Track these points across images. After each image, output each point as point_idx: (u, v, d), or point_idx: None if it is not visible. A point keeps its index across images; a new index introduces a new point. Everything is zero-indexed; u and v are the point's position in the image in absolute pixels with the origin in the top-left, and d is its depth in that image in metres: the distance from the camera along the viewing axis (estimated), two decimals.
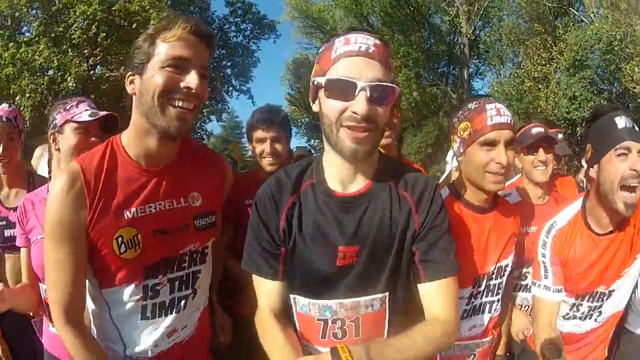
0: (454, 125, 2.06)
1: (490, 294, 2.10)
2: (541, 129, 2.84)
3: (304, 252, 1.56)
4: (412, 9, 25.00)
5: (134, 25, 18.01)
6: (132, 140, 1.66)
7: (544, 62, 19.37)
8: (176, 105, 1.56)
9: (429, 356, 1.42)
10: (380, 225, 1.53)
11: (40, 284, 2.27)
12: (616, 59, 17.01)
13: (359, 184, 1.55)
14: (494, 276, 2.08)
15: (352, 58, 1.41)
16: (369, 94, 1.39)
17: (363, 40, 1.43)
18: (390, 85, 1.43)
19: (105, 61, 18.53)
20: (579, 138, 18.78)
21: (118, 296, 1.68)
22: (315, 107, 1.55)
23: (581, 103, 17.09)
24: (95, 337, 1.78)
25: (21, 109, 16.46)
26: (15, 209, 2.73)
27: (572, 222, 2.19)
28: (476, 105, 1.98)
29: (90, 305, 1.78)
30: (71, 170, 1.58)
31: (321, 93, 1.48)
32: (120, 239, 1.60)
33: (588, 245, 2.16)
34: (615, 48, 16.52)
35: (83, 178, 1.57)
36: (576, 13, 19.97)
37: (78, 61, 17.55)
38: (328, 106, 1.45)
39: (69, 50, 17.55)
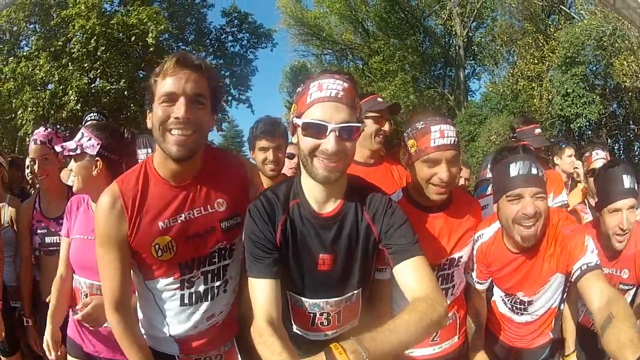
0: (405, 139, 2.25)
1: (444, 282, 2.35)
2: None
3: (294, 257, 1.85)
4: (406, 13, 25.27)
5: (132, 38, 18.33)
6: (158, 163, 1.92)
7: (536, 61, 19.56)
8: (173, 133, 1.78)
9: (421, 331, 1.53)
10: (349, 238, 1.85)
11: (74, 275, 2.60)
12: (607, 54, 17.22)
13: (332, 205, 1.84)
14: (446, 267, 2.33)
15: (324, 103, 1.67)
16: (337, 134, 1.65)
17: (333, 86, 1.68)
18: (356, 125, 1.69)
19: (105, 74, 18.76)
20: (575, 134, 18.97)
21: (159, 287, 1.98)
22: (294, 140, 1.81)
23: (574, 99, 17.26)
24: (144, 319, 2.13)
25: (23, 123, 16.84)
26: (55, 219, 3.17)
27: (492, 238, 2.39)
28: (422, 126, 2.16)
29: (139, 292, 2.09)
30: (112, 192, 1.88)
31: (299, 130, 1.72)
32: (157, 245, 1.90)
33: (504, 259, 2.39)
34: (605, 43, 16.74)
35: (122, 199, 1.86)
36: (567, 10, 20.18)
37: (78, 75, 17.86)
38: (304, 142, 1.70)
39: (69, 64, 17.87)
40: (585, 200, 3.93)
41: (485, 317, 2.66)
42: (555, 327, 2.59)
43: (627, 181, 2.54)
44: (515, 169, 2.18)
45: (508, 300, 2.52)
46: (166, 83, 1.78)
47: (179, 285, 1.97)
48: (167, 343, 2.07)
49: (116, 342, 2.29)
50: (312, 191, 1.82)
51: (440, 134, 2.11)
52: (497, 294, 2.60)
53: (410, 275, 1.69)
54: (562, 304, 2.55)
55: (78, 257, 2.53)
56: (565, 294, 2.52)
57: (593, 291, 1.96)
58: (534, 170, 2.17)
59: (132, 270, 1.98)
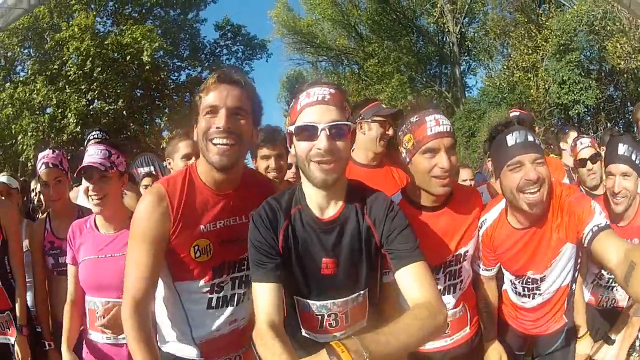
0: (400, 137, 2.27)
1: (452, 278, 2.37)
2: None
3: (297, 262, 1.88)
4: (397, 14, 25.46)
5: (127, 58, 18.42)
6: (203, 171, 2.02)
7: (530, 51, 19.63)
8: (215, 143, 1.89)
9: (422, 337, 1.55)
10: (351, 241, 1.87)
11: (87, 298, 2.64)
12: (599, 38, 17.29)
13: (333, 210, 1.87)
14: (453, 263, 2.35)
15: (312, 107, 1.75)
16: (328, 133, 1.71)
17: (320, 92, 1.76)
18: (345, 123, 1.75)
19: (103, 95, 18.83)
20: (574, 121, 18.94)
21: (189, 288, 2.07)
22: (292, 151, 1.85)
23: (570, 86, 17.33)
24: (166, 323, 2.18)
25: (24, 148, 16.97)
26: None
27: (496, 220, 2.41)
28: (417, 119, 2.19)
29: (165, 293, 2.16)
30: (158, 192, 1.96)
31: (294, 139, 1.79)
32: (196, 247, 2.00)
33: (510, 239, 2.39)
34: (597, 27, 16.82)
35: (168, 200, 1.95)
36: None
37: (76, 97, 17.95)
38: (299, 147, 1.77)
39: (66, 86, 17.97)
40: (580, 189, 3.93)
41: (496, 307, 2.67)
42: (568, 310, 2.59)
43: (621, 149, 2.67)
44: (512, 139, 2.21)
45: (519, 282, 2.51)
46: (209, 97, 1.91)
47: (209, 288, 2.07)
48: (188, 347, 2.14)
49: None
50: (313, 197, 1.86)
51: (436, 122, 2.14)
52: (507, 280, 2.61)
53: (411, 282, 1.72)
54: (574, 284, 2.55)
55: (91, 277, 2.58)
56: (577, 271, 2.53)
57: (609, 249, 1.97)
58: (530, 138, 2.20)
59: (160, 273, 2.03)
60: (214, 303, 2.09)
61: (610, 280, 3.03)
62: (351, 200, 1.88)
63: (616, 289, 3.06)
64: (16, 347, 3.09)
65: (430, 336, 1.59)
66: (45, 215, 3.43)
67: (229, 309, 2.13)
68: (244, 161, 2.06)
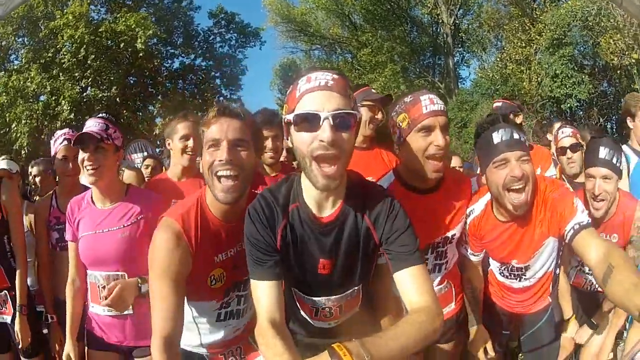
0: (393, 119, 2.28)
1: (439, 258, 2.48)
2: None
3: (295, 260, 1.86)
4: (392, 4, 25.30)
5: (121, 45, 18.36)
6: (211, 203, 2.05)
7: (524, 44, 19.62)
8: (220, 175, 1.91)
9: (420, 341, 1.56)
10: (349, 242, 1.83)
11: (88, 271, 2.71)
12: (593, 33, 17.34)
13: (331, 208, 1.80)
14: (440, 245, 2.44)
15: (314, 93, 1.59)
16: (332, 122, 1.55)
17: (322, 76, 1.62)
18: (351, 111, 1.61)
19: (96, 82, 18.78)
20: (567, 115, 19.09)
21: (202, 307, 2.19)
22: (289, 143, 1.73)
23: (563, 80, 17.41)
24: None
25: (18, 136, 16.87)
26: None
27: (483, 212, 2.47)
28: (411, 98, 2.22)
29: None
30: (174, 230, 1.96)
31: (292, 129, 1.65)
32: (212, 276, 2.09)
33: (496, 230, 2.46)
34: (591, 23, 16.87)
35: (186, 238, 1.97)
36: None
37: (70, 85, 17.90)
38: (299, 139, 1.63)
39: (60, 74, 17.93)
40: (562, 177, 4.03)
41: (482, 291, 2.75)
42: (553, 291, 2.69)
43: (602, 152, 2.73)
44: (498, 136, 2.25)
45: (504, 269, 2.61)
46: (211, 131, 1.94)
47: (219, 306, 2.19)
48: (196, 346, 2.28)
49: (139, 329, 2.50)
50: (311, 193, 1.77)
51: (430, 101, 2.18)
52: (493, 265, 2.69)
53: (410, 285, 1.70)
54: (558, 269, 2.66)
55: (91, 252, 2.64)
56: (560, 259, 2.62)
57: (589, 247, 2.02)
58: (516, 136, 2.25)
59: None
60: (222, 317, 2.21)
61: None
62: (351, 199, 1.80)
63: None
64: (16, 327, 3.15)
65: (427, 339, 1.58)
66: (51, 192, 3.52)
67: (235, 322, 2.25)
68: (248, 191, 2.05)
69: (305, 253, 1.85)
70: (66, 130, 3.43)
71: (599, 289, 3.15)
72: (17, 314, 3.16)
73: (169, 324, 1.86)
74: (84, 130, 2.62)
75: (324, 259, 1.85)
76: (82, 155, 2.60)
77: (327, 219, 1.80)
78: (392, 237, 1.76)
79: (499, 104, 5.15)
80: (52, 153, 3.40)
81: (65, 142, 3.31)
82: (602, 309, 3.00)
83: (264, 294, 1.74)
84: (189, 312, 2.17)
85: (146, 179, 4.36)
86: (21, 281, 3.18)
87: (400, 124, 2.23)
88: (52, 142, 3.44)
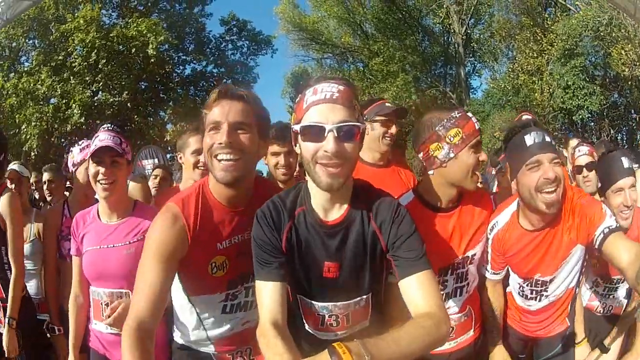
0: (438, 133, 2.21)
1: (459, 280, 2.39)
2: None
3: (300, 263, 1.86)
4: (403, 13, 25.35)
5: (132, 50, 18.50)
6: (214, 187, 2.00)
7: (535, 55, 19.60)
8: (219, 159, 1.87)
9: (424, 346, 1.53)
10: (355, 246, 1.82)
11: (92, 288, 2.66)
12: (604, 44, 17.29)
13: (337, 212, 1.81)
14: (460, 266, 2.37)
15: (320, 105, 1.66)
16: (336, 134, 1.62)
17: (328, 89, 1.67)
18: (355, 123, 1.66)
19: (107, 87, 18.95)
20: (578, 126, 18.94)
21: (205, 301, 2.11)
22: (297, 150, 1.77)
23: (575, 91, 17.36)
24: (183, 321, 2.22)
25: (27, 137, 17.04)
26: None
27: (508, 223, 2.43)
28: (460, 114, 2.21)
29: (180, 302, 2.19)
30: (173, 212, 1.94)
31: (299, 138, 1.71)
32: (213, 264, 2.01)
33: (522, 241, 2.41)
34: (603, 33, 16.81)
35: (184, 220, 1.93)
36: (563, 2, 20.19)
37: (81, 88, 18.03)
38: (305, 148, 1.69)
39: (71, 77, 18.06)
40: None
41: (502, 311, 2.69)
42: (571, 312, 2.64)
43: (626, 162, 2.74)
44: (530, 139, 2.24)
45: (527, 285, 2.54)
46: (212, 113, 1.90)
47: (224, 298, 2.11)
48: (203, 343, 2.20)
49: None
50: (318, 198, 1.80)
51: (475, 118, 2.22)
52: (515, 283, 2.62)
53: (416, 291, 1.69)
54: (578, 287, 2.60)
55: (95, 268, 2.59)
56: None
57: (620, 250, 2.04)
58: (547, 139, 2.25)
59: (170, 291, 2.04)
60: (228, 309, 2.13)
61: (607, 288, 3.08)
62: (357, 203, 1.83)
63: (612, 296, 3.11)
64: (4, 339, 3.08)
65: (432, 345, 1.57)
66: (62, 201, 3.47)
67: (242, 314, 2.17)
68: (252, 175, 2.03)
69: (310, 256, 1.85)
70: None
71: (614, 312, 3.14)
72: (6, 326, 3.08)
73: (148, 305, 1.76)
74: (98, 144, 2.56)
75: (329, 262, 1.85)
76: (96, 168, 2.56)
77: (333, 222, 1.82)
78: (398, 242, 1.76)
79: (528, 116, 4.99)
80: (76, 160, 3.32)
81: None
82: (615, 330, 2.92)
83: (268, 294, 1.75)
84: (192, 308, 2.14)
85: (153, 189, 4.33)
86: (14, 293, 3.11)
87: (452, 139, 2.19)
88: (75, 149, 3.36)
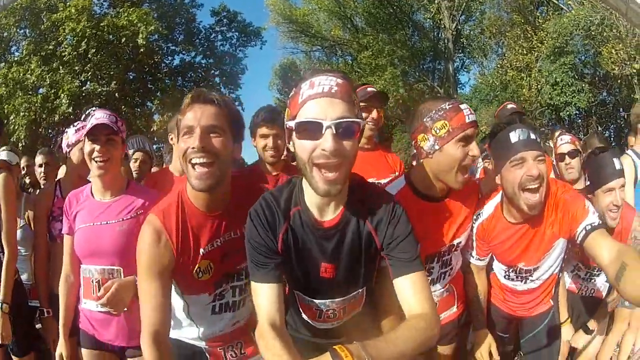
0: (426, 124, 2.18)
1: (444, 266, 2.46)
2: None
3: (297, 263, 1.85)
4: (394, 7, 25.27)
5: (122, 40, 18.33)
6: (191, 194, 2.01)
7: (525, 52, 19.73)
8: (194, 163, 1.87)
9: (418, 347, 1.56)
10: (351, 247, 1.81)
11: (82, 266, 2.66)
12: (595, 43, 17.43)
13: (333, 212, 1.78)
14: (446, 253, 2.43)
15: (317, 100, 1.55)
16: (334, 131, 1.51)
17: (326, 82, 1.57)
18: (354, 120, 1.57)
19: (96, 77, 18.73)
20: (565, 122, 19.17)
21: (195, 300, 2.14)
22: (291, 148, 1.67)
23: (563, 88, 17.53)
24: (175, 322, 2.20)
25: (15, 128, 16.79)
26: None
27: (492, 214, 2.48)
28: (450, 105, 2.15)
29: (174, 302, 2.21)
30: (155, 227, 1.96)
31: (293, 135, 1.61)
32: (198, 269, 2.03)
33: (505, 233, 2.46)
34: (594, 33, 16.92)
35: (166, 233, 1.96)
36: (555, 1, 20.32)
37: (69, 78, 17.83)
38: (300, 146, 1.59)
39: (60, 67, 17.86)
40: None
41: (487, 295, 2.74)
42: (554, 294, 2.71)
43: (617, 163, 2.78)
44: (515, 136, 2.26)
45: (510, 271, 2.60)
46: (185, 118, 1.90)
47: (212, 299, 2.14)
48: (196, 339, 2.25)
49: (132, 328, 2.46)
50: (313, 197, 1.74)
51: (469, 110, 2.17)
52: (498, 268, 2.68)
53: (410, 292, 1.70)
54: (561, 273, 2.68)
55: (87, 245, 2.60)
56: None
57: (601, 247, 2.05)
58: (532, 136, 2.26)
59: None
60: (217, 309, 2.17)
61: (588, 273, 3.16)
62: (353, 202, 1.78)
63: (594, 280, 3.19)
64: None
65: (424, 345, 1.59)
66: (54, 182, 3.46)
67: (231, 314, 2.20)
68: (228, 179, 2.02)
69: (307, 257, 1.84)
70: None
71: (596, 294, 3.22)
72: None
73: (156, 318, 1.88)
74: (94, 122, 2.56)
75: (325, 263, 1.84)
76: (91, 146, 2.56)
77: (328, 223, 1.79)
78: (393, 244, 1.75)
79: (513, 105, 5.08)
80: (71, 141, 3.27)
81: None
82: (598, 314, 3.03)
83: (265, 296, 1.74)
84: (184, 306, 2.17)
85: (134, 173, 4.30)
86: (7, 277, 3.09)
87: (438, 131, 2.15)
88: (70, 130, 3.31)
